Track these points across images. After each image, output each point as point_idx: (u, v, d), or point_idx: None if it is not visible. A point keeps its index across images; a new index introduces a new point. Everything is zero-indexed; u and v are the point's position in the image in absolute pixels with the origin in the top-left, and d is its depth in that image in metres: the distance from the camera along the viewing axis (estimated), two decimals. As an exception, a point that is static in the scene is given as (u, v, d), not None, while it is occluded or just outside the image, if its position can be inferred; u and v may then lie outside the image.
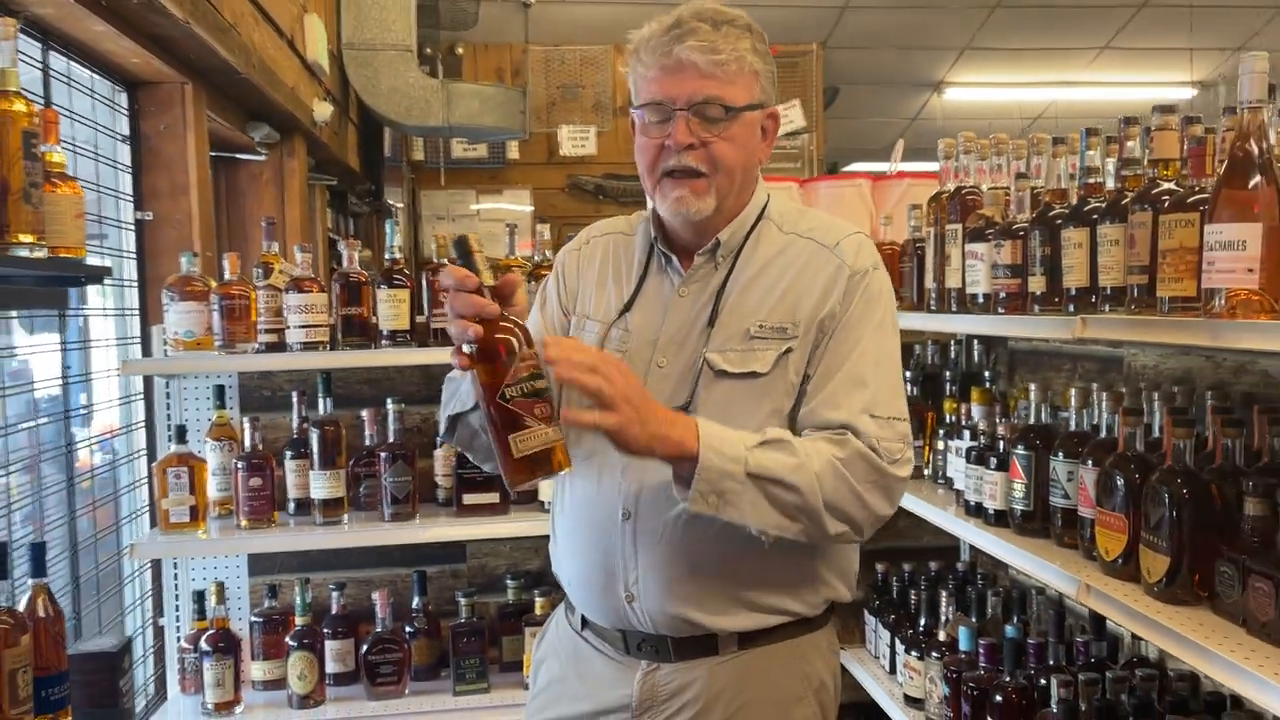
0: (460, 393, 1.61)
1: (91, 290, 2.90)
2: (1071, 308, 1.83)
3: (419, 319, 2.74)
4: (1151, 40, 8.59)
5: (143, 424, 3.25)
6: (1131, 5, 8.05)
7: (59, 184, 1.91)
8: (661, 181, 1.60)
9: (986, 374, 2.70)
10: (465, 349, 1.39)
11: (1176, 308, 1.53)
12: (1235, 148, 1.36)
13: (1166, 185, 1.60)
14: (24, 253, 1.68)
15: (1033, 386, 2.08)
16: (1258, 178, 1.33)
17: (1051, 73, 9.41)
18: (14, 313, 2.31)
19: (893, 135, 9.97)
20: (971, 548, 2.99)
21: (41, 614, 1.90)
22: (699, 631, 1.61)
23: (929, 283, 2.39)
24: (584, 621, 1.73)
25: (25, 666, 1.80)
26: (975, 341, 2.84)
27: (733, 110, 1.56)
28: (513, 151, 7.80)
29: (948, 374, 2.70)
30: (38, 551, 1.92)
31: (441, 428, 1.69)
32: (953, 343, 2.89)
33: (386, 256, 2.73)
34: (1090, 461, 1.83)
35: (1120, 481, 1.70)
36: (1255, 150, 1.34)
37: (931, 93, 9.76)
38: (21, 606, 1.85)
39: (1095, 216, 1.77)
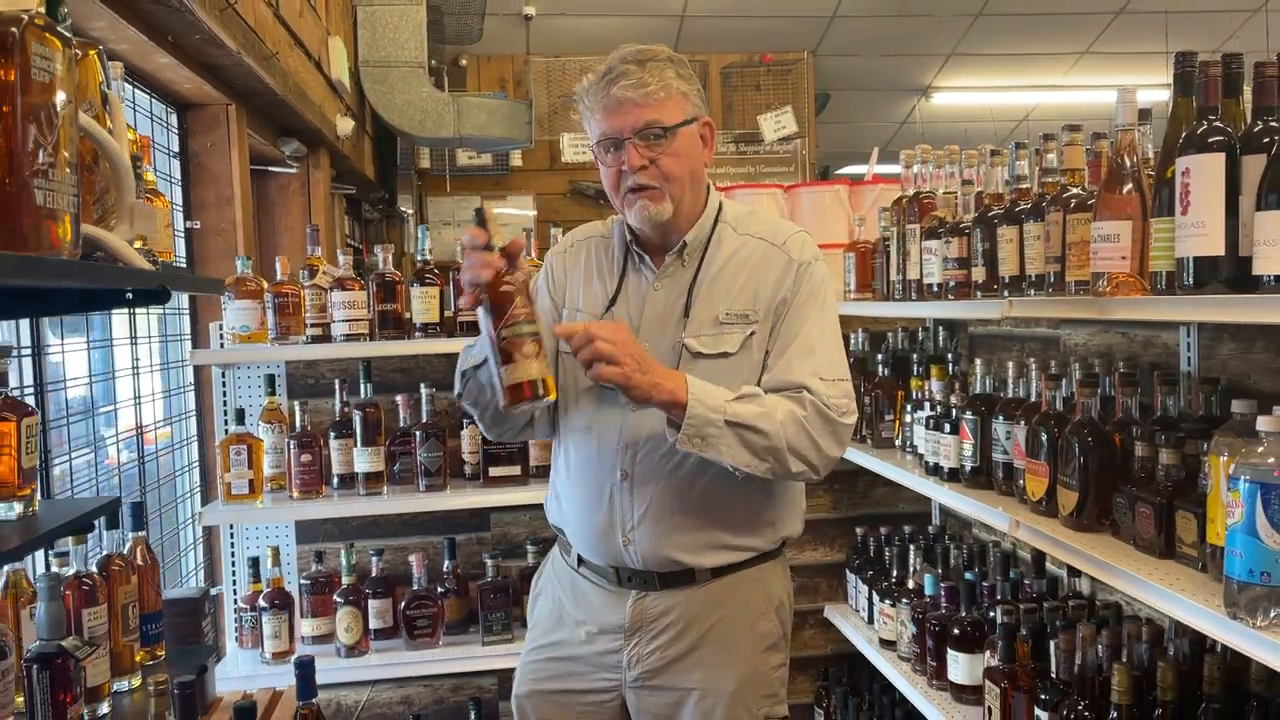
0: (472, 352, 1.96)
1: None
2: (1005, 293, 2.19)
3: (447, 314, 3.09)
4: (1129, 45, 8.91)
5: (193, 413, 3.61)
6: (1109, 12, 8.37)
7: (152, 198, 2.26)
8: (626, 197, 1.92)
9: (949, 356, 3.06)
10: (474, 293, 1.76)
11: (1081, 289, 1.88)
12: (1112, 161, 1.72)
13: (1074, 190, 1.95)
14: (153, 261, 2.03)
15: (978, 361, 2.44)
16: (1129, 185, 1.69)
17: (1034, 77, 9.76)
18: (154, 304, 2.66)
19: (882, 139, 10.33)
20: (940, 511, 3.35)
21: (140, 562, 2.25)
22: (680, 568, 1.96)
23: (893, 275, 2.75)
24: (580, 560, 2.06)
25: (133, 602, 2.15)
26: (940, 328, 3.20)
27: (670, 129, 1.88)
28: (516, 159, 8.14)
29: (915, 356, 3.05)
30: (137, 509, 2.27)
31: (457, 385, 2.02)
32: (920, 329, 3.25)
33: (418, 258, 3.09)
34: (1022, 421, 2.18)
35: (1043, 435, 2.06)
36: (1127, 163, 1.70)
37: (919, 98, 10.12)
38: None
39: (1022, 216, 2.12)
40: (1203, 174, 1.51)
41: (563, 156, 8.28)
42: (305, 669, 1.82)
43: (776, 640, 2.04)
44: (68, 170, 1.02)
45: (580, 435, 2.00)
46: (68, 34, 1.05)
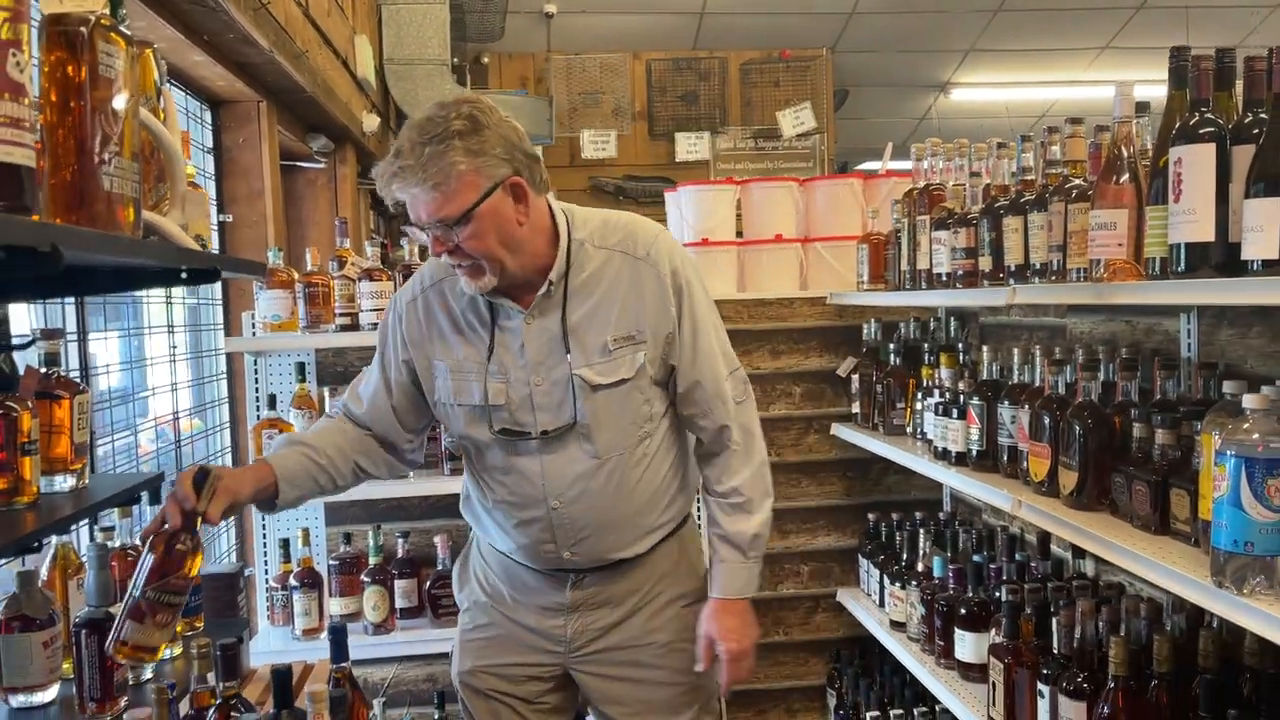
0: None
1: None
2: (1011, 281, 2.26)
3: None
4: (1150, 39, 8.89)
5: (226, 400, 3.73)
6: (1130, 7, 8.38)
7: (192, 190, 2.37)
8: (452, 268, 1.92)
9: (960, 345, 3.12)
10: (152, 527, 1.77)
11: (1082, 276, 1.96)
12: (1109, 152, 1.79)
13: (1076, 181, 2.03)
14: (203, 245, 2.14)
15: (985, 348, 2.51)
16: (1125, 175, 1.77)
17: (1054, 72, 9.76)
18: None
19: (901, 135, 10.39)
20: (951, 497, 3.42)
21: (180, 538, 2.36)
22: (615, 559, 2.08)
23: (904, 265, 2.82)
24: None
25: (174, 575, 2.25)
26: (951, 318, 3.27)
27: (460, 218, 1.80)
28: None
29: (927, 346, 3.12)
30: (177, 487, 2.38)
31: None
32: (932, 319, 3.32)
33: (442, 250, 3.18)
34: (1026, 405, 2.25)
35: (1046, 418, 2.13)
36: (1124, 154, 1.77)
37: (938, 94, 10.15)
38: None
39: (1027, 207, 2.20)
40: (1194, 163, 1.58)
41: (583, 153, 8.35)
42: (339, 634, 1.92)
43: (701, 594, 2.17)
44: (131, 159, 1.11)
45: (499, 475, 2.05)
46: (128, 32, 1.15)
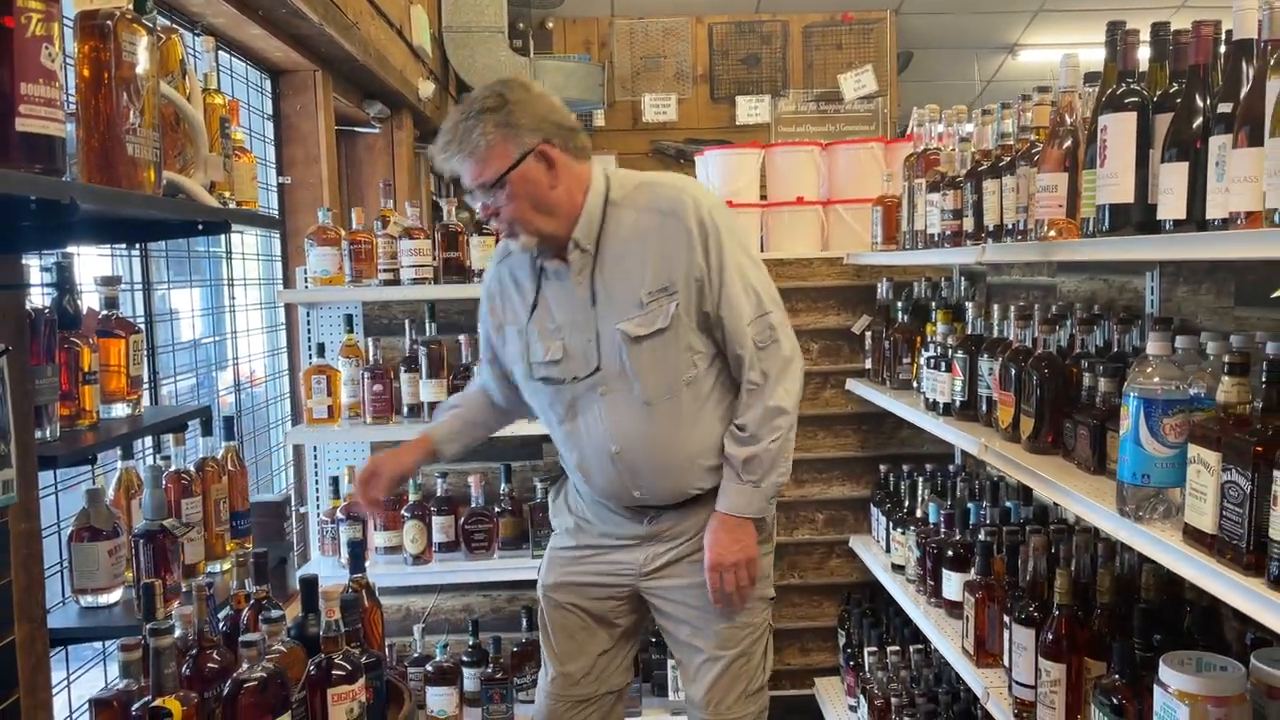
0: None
1: (247, 238, 3.68)
2: (989, 240, 2.40)
3: (503, 261, 3.41)
4: (1227, -1, 8.66)
5: (284, 349, 4.03)
6: (1205, -36, 8.19)
7: (240, 155, 2.62)
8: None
9: (968, 305, 3.24)
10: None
11: (1040, 236, 2.09)
12: (1053, 120, 1.92)
13: (1041, 147, 2.15)
14: (224, 203, 2.39)
15: (969, 305, 2.65)
16: (1067, 141, 1.90)
17: (1126, 33, 9.57)
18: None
19: (967, 98, 10.28)
20: (962, 452, 3.56)
21: (230, 467, 2.64)
22: (692, 496, 2.30)
23: (904, 226, 2.96)
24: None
25: (223, 499, 2.53)
26: (963, 277, 3.39)
27: (495, 182, 2.09)
28: (599, 119, 8.40)
29: (934, 305, 3.25)
30: (229, 422, 2.66)
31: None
32: (944, 279, 3.44)
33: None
34: (999, 358, 2.40)
35: (1011, 369, 2.27)
36: (1066, 121, 1.90)
37: (1006, 55, 10.03)
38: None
39: (1002, 171, 2.33)
40: (1117, 131, 1.72)
41: (644, 117, 8.50)
42: (355, 548, 2.18)
43: (767, 533, 2.37)
44: (151, 129, 1.35)
45: (565, 427, 2.31)
46: (151, 24, 1.38)
